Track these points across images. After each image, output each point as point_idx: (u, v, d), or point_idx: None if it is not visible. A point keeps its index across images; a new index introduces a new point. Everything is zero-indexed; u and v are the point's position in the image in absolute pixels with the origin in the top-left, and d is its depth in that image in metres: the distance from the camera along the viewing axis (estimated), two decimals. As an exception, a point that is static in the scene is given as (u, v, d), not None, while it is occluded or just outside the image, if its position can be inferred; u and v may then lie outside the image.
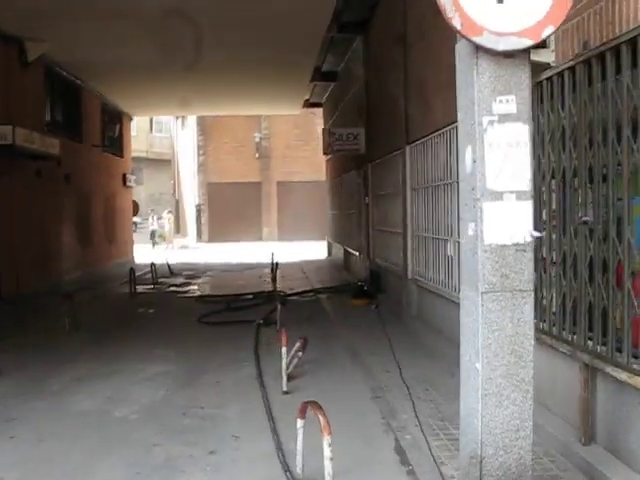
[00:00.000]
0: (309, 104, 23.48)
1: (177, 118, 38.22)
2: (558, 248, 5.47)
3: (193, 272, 21.23)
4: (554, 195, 5.57)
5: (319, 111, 26.64)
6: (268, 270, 20.32)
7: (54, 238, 16.11)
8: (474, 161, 3.85)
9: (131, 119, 23.86)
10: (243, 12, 12.53)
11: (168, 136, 42.41)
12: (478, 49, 3.77)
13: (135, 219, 27.34)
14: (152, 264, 18.15)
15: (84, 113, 18.46)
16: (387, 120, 12.77)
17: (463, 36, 3.74)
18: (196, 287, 17.56)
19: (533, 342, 3.89)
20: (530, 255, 3.87)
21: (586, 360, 4.94)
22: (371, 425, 6.19)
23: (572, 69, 5.16)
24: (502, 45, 3.71)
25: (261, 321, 11.39)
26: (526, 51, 3.80)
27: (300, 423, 4.82)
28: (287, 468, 5.09)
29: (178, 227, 36.51)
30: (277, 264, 17.39)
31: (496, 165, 3.80)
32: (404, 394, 7.00)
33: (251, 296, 14.72)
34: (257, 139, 34.90)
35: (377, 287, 13.88)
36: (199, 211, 34.79)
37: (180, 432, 6.10)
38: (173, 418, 6.51)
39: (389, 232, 13.24)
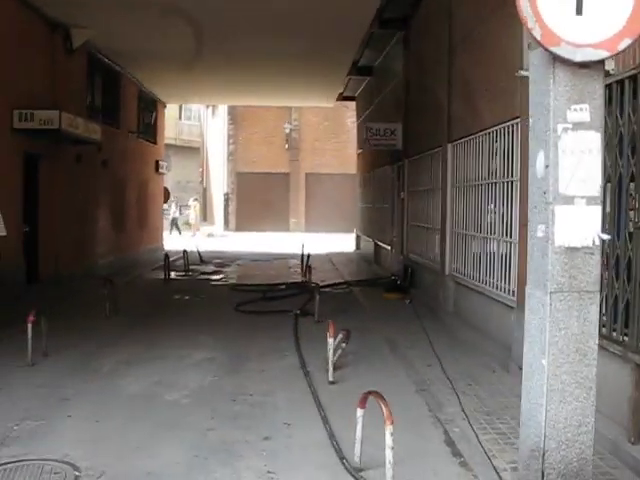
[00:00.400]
0: (342, 97, 23.60)
1: (208, 106, 38.53)
2: (611, 251, 5.61)
3: (222, 260, 21.52)
4: (608, 199, 5.69)
5: (350, 104, 26.76)
6: (297, 261, 20.63)
7: (91, 223, 16.45)
8: (547, 166, 3.99)
9: (165, 106, 24.16)
10: (289, 4, 12.69)
11: (197, 124, 42.77)
12: (555, 59, 3.90)
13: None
14: (184, 251, 18.44)
15: (122, 99, 18.78)
16: (427, 117, 12.90)
17: (542, 46, 3.87)
18: (228, 275, 17.82)
19: (597, 341, 4.05)
20: (597, 258, 4.02)
21: (638, 361, 5.08)
22: (419, 417, 6.37)
23: (633, 77, 5.28)
24: (579, 56, 3.85)
25: (298, 311, 11.60)
26: (601, 62, 3.94)
27: (360, 412, 5.01)
28: (343, 456, 5.29)
29: (205, 215, 36.88)
30: (309, 255, 17.59)
31: (569, 171, 3.94)
32: (448, 388, 7.17)
33: (284, 286, 14.94)
34: (287, 130, 35.13)
35: (410, 282, 14.04)
36: (227, 200, 35.12)
37: (232, 418, 6.31)
38: (223, 404, 6.73)
39: (425, 228, 13.39)
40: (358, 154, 24.64)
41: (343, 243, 27.54)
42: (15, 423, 6.04)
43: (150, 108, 21.60)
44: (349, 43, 15.37)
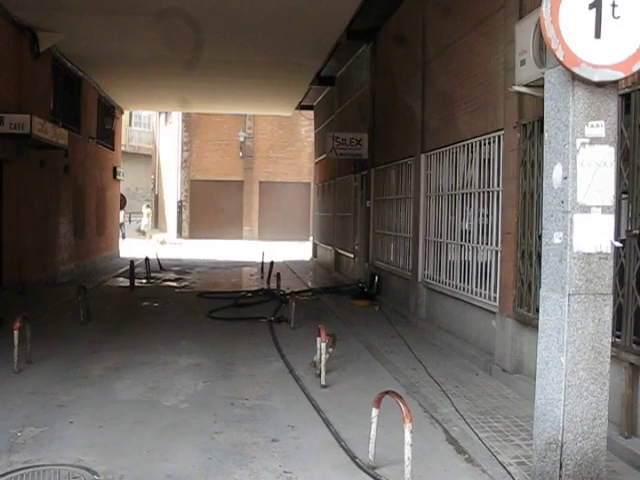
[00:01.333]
0: (300, 106, 23.84)
1: (160, 113, 38.23)
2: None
3: (181, 267, 21.42)
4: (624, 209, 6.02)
5: (306, 113, 27.04)
6: (256, 269, 20.77)
7: (53, 229, 16.21)
8: (565, 177, 4.30)
9: (122, 113, 23.95)
10: (260, 14, 12.84)
11: (147, 130, 42.32)
12: (574, 78, 4.21)
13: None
14: (146, 258, 18.33)
15: (83, 105, 18.57)
16: (397, 128, 13.23)
17: (564, 66, 4.17)
18: (190, 283, 17.78)
19: (611, 340, 4.36)
20: (611, 263, 4.34)
21: (632, 360, 5.44)
22: (416, 418, 6.55)
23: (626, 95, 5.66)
24: (597, 76, 4.17)
25: (272, 318, 11.76)
26: (616, 82, 4.27)
27: (375, 412, 5.20)
28: (354, 455, 5.47)
29: (156, 222, 36.52)
30: (272, 263, 17.73)
31: (586, 182, 4.25)
32: (437, 390, 7.44)
33: (250, 294, 15.03)
34: (241, 138, 35.18)
35: (377, 289, 14.33)
36: (180, 207, 34.90)
37: (235, 421, 6.42)
38: (223, 408, 6.82)
39: (394, 236, 13.70)
40: (316, 163, 24.91)
41: (298, 251, 27.75)
42: (17, 430, 6.02)
43: (109, 114, 21.38)
44: (317, 54, 15.64)
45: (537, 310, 7.27)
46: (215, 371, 8.34)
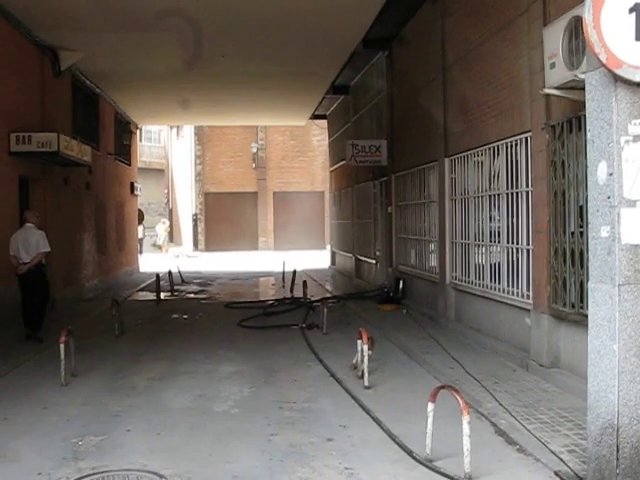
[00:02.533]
0: (313, 116, 24.18)
1: (172, 128, 38.67)
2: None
3: (203, 280, 21.75)
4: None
5: (319, 123, 27.34)
6: (275, 278, 21.10)
7: (78, 245, 16.53)
8: (610, 174, 4.54)
9: (137, 128, 24.35)
10: (277, 27, 13.14)
11: (158, 145, 42.77)
12: (617, 79, 4.47)
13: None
14: (169, 272, 18.63)
15: (101, 121, 18.94)
16: (417, 133, 13.50)
17: (607, 68, 4.42)
18: (214, 294, 18.08)
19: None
20: (657, 254, 4.58)
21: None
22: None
23: None
24: (638, 76, 4.42)
25: (304, 325, 12.03)
26: (656, 81, 4.51)
27: (430, 407, 5.44)
28: (410, 450, 5.71)
29: (172, 236, 36.89)
30: (295, 272, 18.03)
31: (631, 177, 4.50)
32: (478, 387, 7.67)
33: (276, 303, 15.31)
34: (254, 149, 35.57)
35: (403, 293, 14.57)
36: (196, 220, 35.27)
37: (288, 423, 6.66)
38: (273, 411, 7.06)
39: (417, 240, 13.96)
40: (331, 171, 25.20)
41: (315, 259, 28.03)
42: (78, 439, 6.26)
43: (125, 129, 21.76)
44: (334, 63, 15.95)
45: (572, 305, 7.54)
46: (257, 377, 8.59)
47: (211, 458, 5.77)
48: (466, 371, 8.37)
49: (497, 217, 10.00)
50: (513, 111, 8.93)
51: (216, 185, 35.82)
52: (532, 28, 8.05)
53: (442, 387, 5.36)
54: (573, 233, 7.58)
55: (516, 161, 9.11)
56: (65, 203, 15.41)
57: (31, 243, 10.97)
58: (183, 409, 7.26)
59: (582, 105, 5.42)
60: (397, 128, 15.16)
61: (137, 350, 10.45)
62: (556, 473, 5.16)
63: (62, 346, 8.27)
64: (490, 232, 10.27)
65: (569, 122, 7.40)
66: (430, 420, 5.46)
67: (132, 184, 22.99)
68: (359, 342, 8.12)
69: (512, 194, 9.31)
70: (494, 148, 9.77)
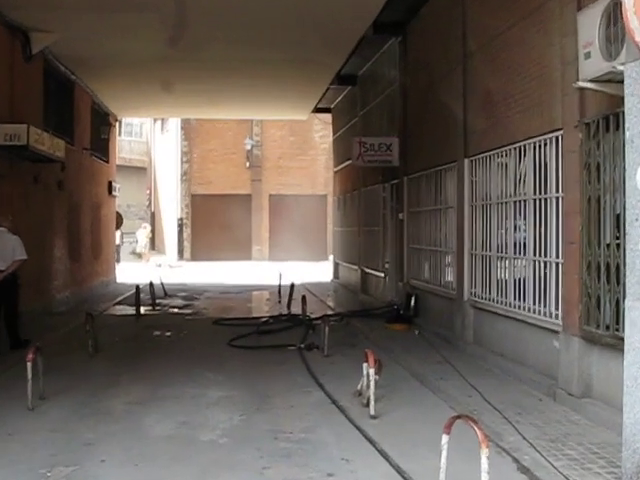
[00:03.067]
0: (316, 109, 24.25)
1: (155, 121, 38.81)
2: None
3: (188, 293, 21.79)
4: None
5: (322, 117, 27.45)
6: (270, 293, 21.12)
7: (48, 252, 16.55)
8: (652, 179, 4.58)
9: (117, 120, 24.45)
10: (277, 8, 13.19)
11: (140, 140, 42.94)
12: (659, 71, 4.51)
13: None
14: (151, 283, 18.67)
15: (76, 112, 19.00)
16: (434, 130, 13.56)
17: (649, 58, 4.47)
18: (201, 310, 18.11)
19: None
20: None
21: None
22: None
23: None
24: (683, 68, 4.46)
25: (302, 345, 12.05)
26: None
27: (445, 439, 5.44)
28: (421, 487, 5.73)
29: (153, 243, 36.96)
30: (293, 285, 18.06)
31: (675, 182, 4.54)
32: (499, 417, 7.68)
33: (271, 320, 15.33)
34: (248, 146, 35.68)
35: (415, 311, 14.59)
36: (181, 225, 35.36)
37: (283, 455, 6.68)
38: (266, 442, 7.08)
39: (432, 251, 13.99)
40: (335, 172, 25.27)
41: (316, 272, 28.07)
42: (46, 470, 6.27)
43: (103, 122, 21.83)
44: (340, 50, 16.01)
45: (607, 327, 7.55)
46: (249, 403, 8.61)
47: (197, 493, 5.80)
48: (485, 400, 8.38)
49: (523, 226, 10.02)
50: (542, 106, 8.98)
51: (205, 186, 35.87)
52: (565, 13, 8.10)
53: (458, 417, 5.37)
54: (609, 245, 7.59)
55: (545, 163, 9.15)
56: (35, 203, 15.44)
57: (6, 249, 11.01)
58: (165, 438, 7.28)
59: (620, 100, 5.47)
60: (411, 124, 15.22)
61: (114, 371, 10.48)
62: (586, 516, 5.17)
63: (29, 365, 8.28)
64: (515, 243, 10.29)
65: (605, 119, 7.43)
66: (444, 454, 5.46)
67: (110, 183, 23.05)
68: (365, 365, 8.12)
69: (540, 200, 9.34)
70: (520, 148, 9.81)
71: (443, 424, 5.56)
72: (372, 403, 7.88)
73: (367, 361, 8.00)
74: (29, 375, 8.24)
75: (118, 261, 29.80)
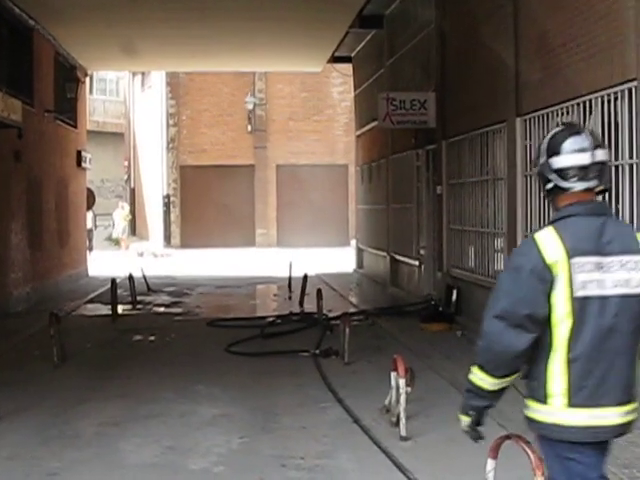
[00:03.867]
0: (333, 59, 24.20)
1: (134, 75, 38.85)
2: None
3: (177, 288, 21.91)
4: None
5: (340, 67, 27.31)
6: (281, 286, 21.19)
7: (2, 239, 16.65)
8: None
9: (86, 75, 24.51)
10: None
11: (116, 99, 43.09)
12: None
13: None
14: (130, 277, 18.77)
15: (36, 65, 19.04)
16: (478, 83, 13.54)
17: None
18: (193, 307, 18.24)
19: None
20: None
21: None
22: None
23: None
24: None
25: (317, 351, 12.08)
26: None
27: (491, 464, 5.45)
28: (462, 524, 5.75)
29: (134, 227, 37.12)
30: (306, 277, 18.12)
31: None
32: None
33: (279, 320, 15.39)
34: (250, 106, 35.63)
35: (457, 307, 14.60)
36: (168, 205, 35.43)
37: (294, 486, 6.75)
38: (272, 470, 7.12)
39: (478, 233, 14.00)
40: (357, 136, 25.23)
41: (335, 260, 28.08)
42: (0, 507, 6.37)
43: (70, 78, 21.86)
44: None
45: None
46: (251, 423, 8.67)
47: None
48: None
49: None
50: (612, 51, 8.92)
51: (196, 155, 35.92)
52: None
53: (507, 437, 5.35)
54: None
55: (616, 122, 9.09)
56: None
57: None
58: (146, 466, 7.33)
59: None
60: (450, 76, 15.20)
61: (84, 384, 10.56)
62: None
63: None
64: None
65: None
66: (491, 481, 5.48)
67: (79, 153, 23.15)
68: (393, 375, 8.13)
69: (611, 167, 9.29)
70: (585, 104, 9.76)
71: (489, 446, 5.57)
72: (403, 421, 7.88)
73: (396, 370, 8.01)
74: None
75: (90, 249, 30.03)
